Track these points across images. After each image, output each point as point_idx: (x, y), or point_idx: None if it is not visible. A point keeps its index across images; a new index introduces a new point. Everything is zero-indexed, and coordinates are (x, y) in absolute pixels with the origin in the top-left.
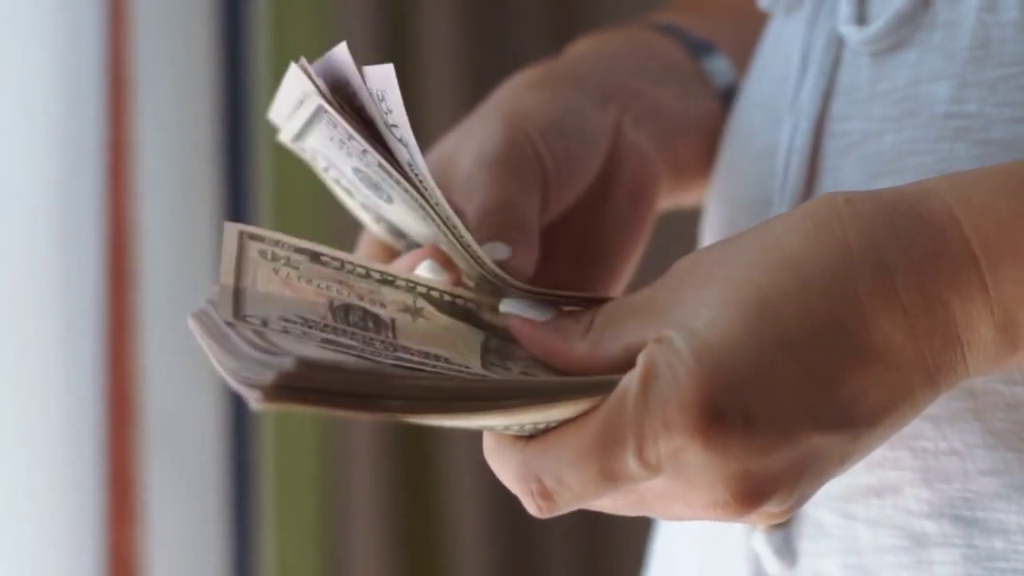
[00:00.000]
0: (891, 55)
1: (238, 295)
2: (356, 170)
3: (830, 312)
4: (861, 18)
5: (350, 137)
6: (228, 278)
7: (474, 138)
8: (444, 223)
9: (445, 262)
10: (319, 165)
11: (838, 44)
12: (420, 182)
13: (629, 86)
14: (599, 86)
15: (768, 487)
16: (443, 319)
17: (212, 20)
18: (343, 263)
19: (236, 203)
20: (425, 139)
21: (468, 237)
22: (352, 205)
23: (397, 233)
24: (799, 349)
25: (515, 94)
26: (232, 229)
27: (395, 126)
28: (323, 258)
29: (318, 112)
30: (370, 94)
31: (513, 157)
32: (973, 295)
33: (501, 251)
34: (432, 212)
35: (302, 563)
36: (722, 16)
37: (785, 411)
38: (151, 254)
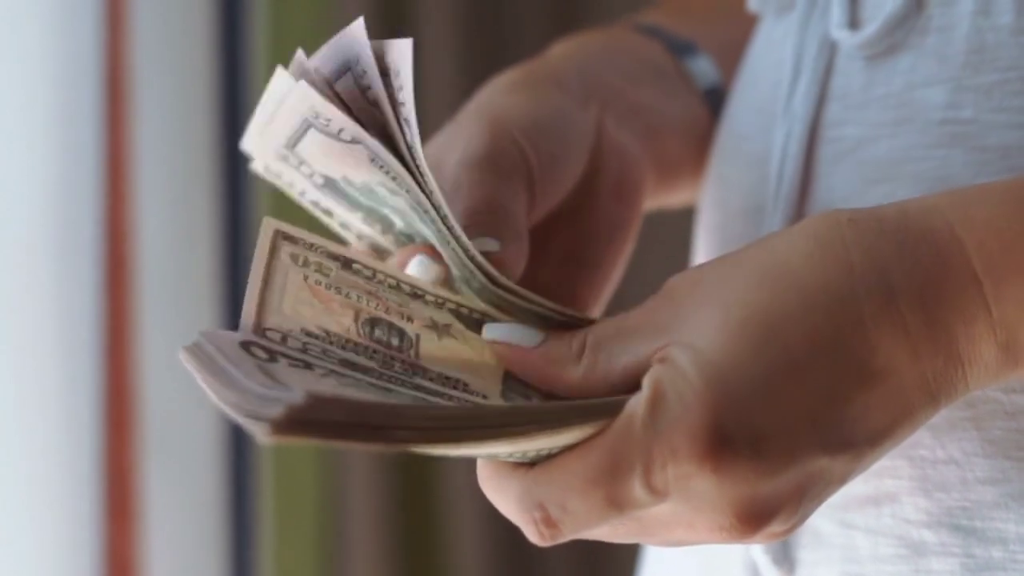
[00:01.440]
0: (885, 60)
1: (262, 306)
2: (346, 180)
3: (836, 335)
4: (853, 22)
5: (339, 131)
6: (256, 282)
7: (458, 141)
8: (438, 213)
9: (436, 257)
10: (295, 190)
11: (831, 48)
12: (418, 167)
13: (610, 86)
14: (580, 86)
15: (773, 509)
16: (470, 336)
17: (210, 23)
18: (375, 272)
19: (234, 206)
20: (424, 140)
21: (459, 230)
22: (333, 224)
23: (389, 243)
24: (805, 371)
25: (496, 96)
26: (269, 226)
27: (403, 104)
28: (355, 266)
29: (305, 122)
30: (382, 71)
31: (498, 158)
32: (976, 316)
33: (490, 244)
34: (428, 203)
35: (301, 564)
36: (708, 17)
37: (791, 433)
38: (149, 257)
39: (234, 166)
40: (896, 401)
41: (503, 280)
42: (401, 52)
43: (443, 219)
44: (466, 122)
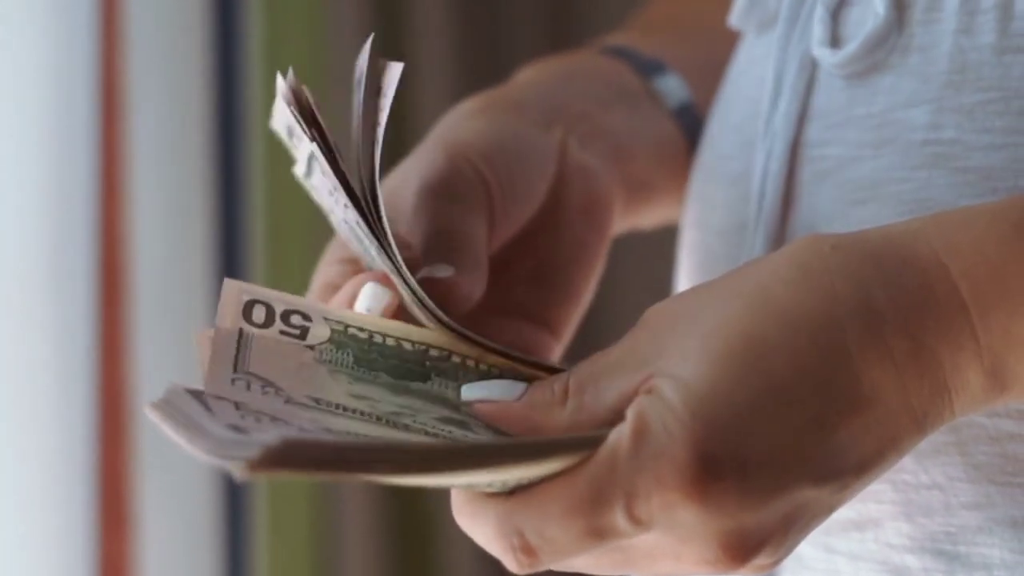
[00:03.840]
0: (866, 79)
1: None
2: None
3: (821, 363)
4: (834, 40)
5: (335, 188)
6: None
7: (417, 169)
8: (385, 249)
9: (388, 284)
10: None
11: (812, 66)
12: (374, 197)
13: (573, 109)
14: (542, 111)
15: (760, 541)
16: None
17: (205, 27)
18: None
19: (229, 212)
20: (419, 140)
21: (404, 268)
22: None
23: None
24: (791, 400)
25: (456, 123)
26: (178, 388)
27: (379, 124)
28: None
29: (312, 156)
30: (375, 89)
31: (456, 184)
32: (963, 343)
33: (443, 270)
34: (379, 242)
35: (295, 571)
36: (688, 34)
37: (778, 464)
38: (143, 262)
39: (229, 174)
40: (882, 430)
41: (445, 319)
42: (392, 74)
43: (389, 254)
44: (426, 151)
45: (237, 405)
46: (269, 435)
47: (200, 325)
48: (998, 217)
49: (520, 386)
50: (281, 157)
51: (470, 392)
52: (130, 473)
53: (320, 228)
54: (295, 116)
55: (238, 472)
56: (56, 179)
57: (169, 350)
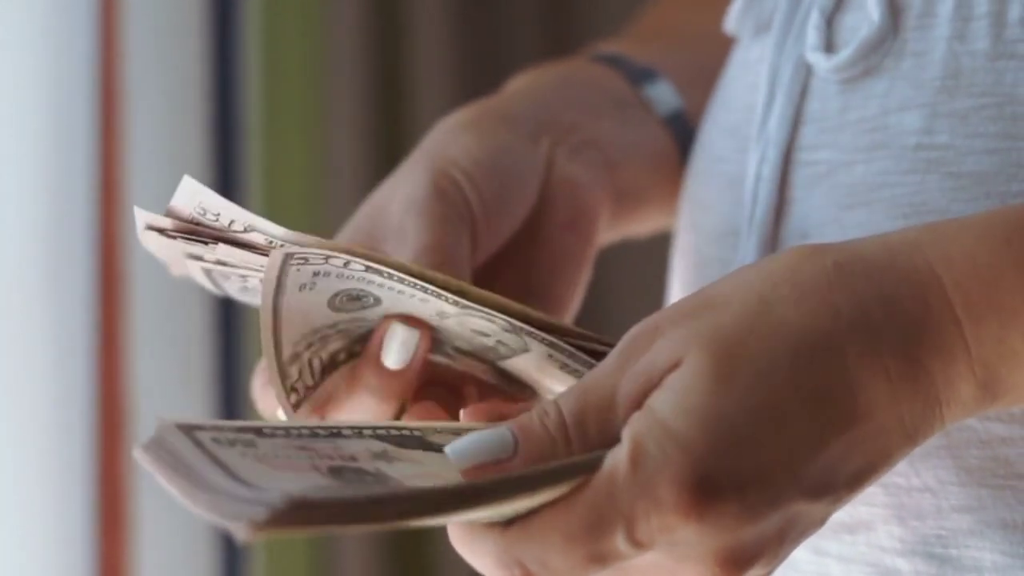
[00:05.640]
0: (860, 84)
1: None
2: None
3: (819, 381)
4: (829, 45)
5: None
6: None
7: (403, 186)
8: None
9: (412, 321)
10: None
11: (806, 71)
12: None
13: (563, 119)
14: (531, 122)
15: (754, 555)
16: (408, 453)
17: (203, 27)
18: (287, 430)
19: None
20: (418, 142)
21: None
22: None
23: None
24: (787, 418)
25: (442, 138)
26: (168, 424)
27: (233, 221)
28: (265, 431)
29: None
30: (199, 217)
31: (440, 202)
32: (955, 357)
33: None
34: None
35: (293, 574)
36: (683, 41)
37: (774, 479)
38: (142, 266)
39: (226, 176)
40: (875, 444)
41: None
42: (193, 192)
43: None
44: (411, 167)
45: (233, 441)
46: (272, 493)
47: (198, 327)
48: (990, 228)
49: (506, 434)
50: (280, 157)
51: (459, 457)
52: (128, 476)
53: (318, 229)
54: (195, 241)
55: (241, 535)
56: (55, 179)
57: (168, 352)
